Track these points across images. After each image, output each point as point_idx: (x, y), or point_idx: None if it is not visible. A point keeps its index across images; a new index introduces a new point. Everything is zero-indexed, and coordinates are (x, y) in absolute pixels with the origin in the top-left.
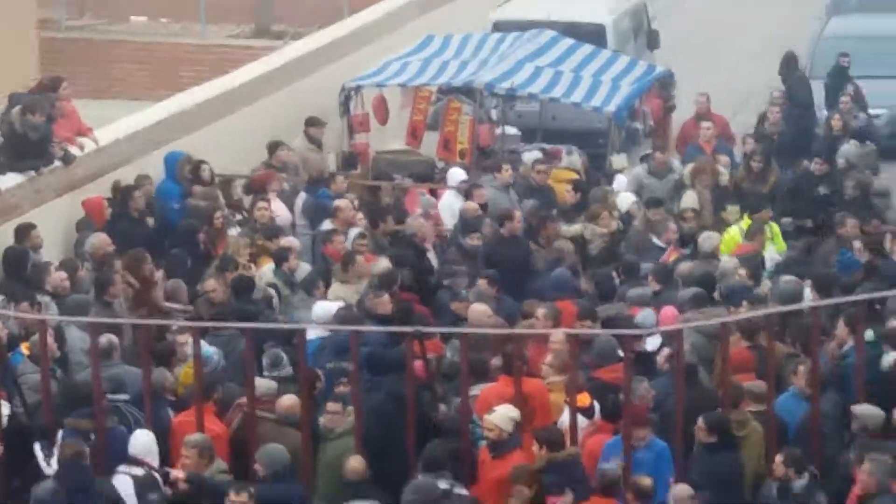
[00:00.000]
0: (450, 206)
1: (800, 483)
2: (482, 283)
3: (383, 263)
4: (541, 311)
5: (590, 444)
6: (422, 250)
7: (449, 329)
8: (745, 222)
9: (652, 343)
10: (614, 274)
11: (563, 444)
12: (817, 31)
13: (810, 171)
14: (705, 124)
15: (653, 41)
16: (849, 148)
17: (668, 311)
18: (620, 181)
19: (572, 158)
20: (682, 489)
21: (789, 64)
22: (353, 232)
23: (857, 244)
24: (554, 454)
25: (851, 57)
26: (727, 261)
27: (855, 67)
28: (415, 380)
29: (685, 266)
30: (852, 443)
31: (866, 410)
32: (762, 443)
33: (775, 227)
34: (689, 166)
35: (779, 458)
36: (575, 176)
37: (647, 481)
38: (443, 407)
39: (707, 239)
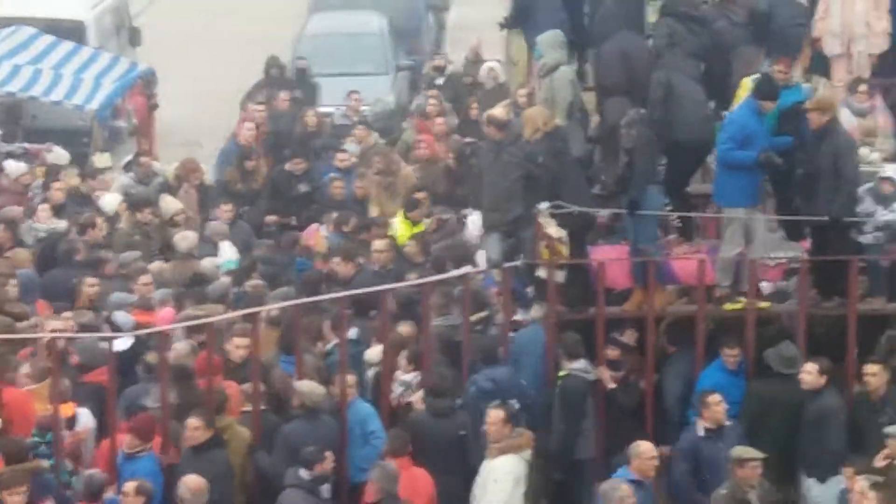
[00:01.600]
0: None
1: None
2: None
3: None
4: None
5: (102, 448)
6: None
7: None
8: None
9: (123, 344)
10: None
11: (24, 456)
12: (299, 28)
13: (286, 170)
14: (248, 125)
15: (135, 38)
16: (352, 147)
17: (165, 312)
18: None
19: (58, 153)
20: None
21: (272, 65)
22: None
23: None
24: (14, 466)
25: (329, 54)
26: (208, 261)
27: (333, 65)
28: None
29: (158, 265)
30: None
31: (304, 387)
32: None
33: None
34: (174, 166)
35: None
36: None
37: (147, 485)
38: None
39: (183, 239)
